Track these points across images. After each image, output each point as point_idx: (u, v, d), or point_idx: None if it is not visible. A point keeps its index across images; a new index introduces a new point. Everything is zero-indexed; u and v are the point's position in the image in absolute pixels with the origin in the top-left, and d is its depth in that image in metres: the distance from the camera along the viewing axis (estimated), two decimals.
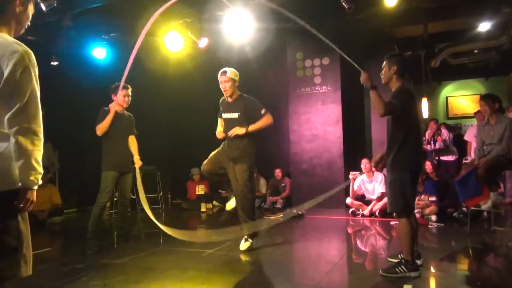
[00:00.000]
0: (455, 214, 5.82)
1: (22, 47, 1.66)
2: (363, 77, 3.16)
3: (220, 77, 4.19)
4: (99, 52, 7.25)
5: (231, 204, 4.73)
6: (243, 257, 4.06)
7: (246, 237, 4.24)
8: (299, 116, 7.62)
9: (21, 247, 1.70)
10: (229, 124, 4.26)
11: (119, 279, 3.41)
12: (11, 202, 1.66)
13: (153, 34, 6.69)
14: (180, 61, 7.81)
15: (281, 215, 6.60)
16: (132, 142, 4.85)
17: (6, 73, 1.60)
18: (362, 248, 4.67)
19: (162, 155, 9.00)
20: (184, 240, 4.41)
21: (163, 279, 3.35)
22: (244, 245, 4.21)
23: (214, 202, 8.14)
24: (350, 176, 6.51)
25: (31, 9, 1.83)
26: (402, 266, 3.19)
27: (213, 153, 4.44)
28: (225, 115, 4.32)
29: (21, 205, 1.66)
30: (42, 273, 3.77)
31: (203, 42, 6.82)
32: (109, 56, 7.42)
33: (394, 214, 5.43)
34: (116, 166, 4.57)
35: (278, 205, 7.55)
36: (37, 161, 1.67)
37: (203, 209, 7.65)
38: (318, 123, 7.46)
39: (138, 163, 4.77)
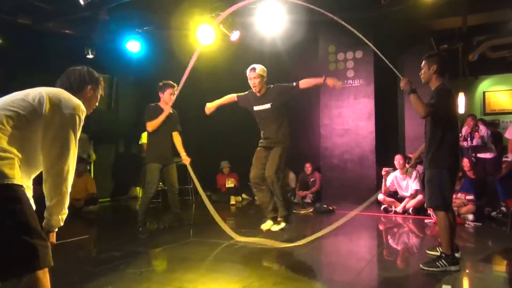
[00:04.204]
0: (493, 213, 5.60)
1: (79, 102, 1.92)
2: (403, 82, 3.32)
3: (249, 74, 4.27)
4: (133, 46, 7.38)
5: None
6: (275, 250, 4.06)
7: (280, 218, 4.23)
8: (331, 110, 7.52)
9: (29, 240, 1.62)
10: (262, 114, 4.35)
11: (154, 268, 3.49)
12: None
13: (185, 28, 6.74)
14: (211, 54, 7.84)
15: (311, 209, 6.57)
16: (177, 139, 5.02)
17: (57, 118, 1.81)
18: (395, 246, 4.58)
19: (192, 147, 9.08)
20: (216, 232, 4.48)
21: (197, 269, 3.40)
22: (276, 227, 4.21)
23: (243, 195, 8.18)
24: (383, 172, 6.38)
25: (98, 94, 2.17)
26: (443, 260, 3.24)
27: (254, 159, 4.41)
28: (256, 108, 4.38)
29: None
30: (81, 259, 3.93)
31: (235, 35, 6.81)
32: (143, 49, 7.54)
33: (428, 210, 5.36)
34: (158, 159, 4.80)
35: (308, 200, 7.51)
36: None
37: (232, 202, 7.71)
38: (350, 117, 7.34)
39: (186, 160, 4.98)
